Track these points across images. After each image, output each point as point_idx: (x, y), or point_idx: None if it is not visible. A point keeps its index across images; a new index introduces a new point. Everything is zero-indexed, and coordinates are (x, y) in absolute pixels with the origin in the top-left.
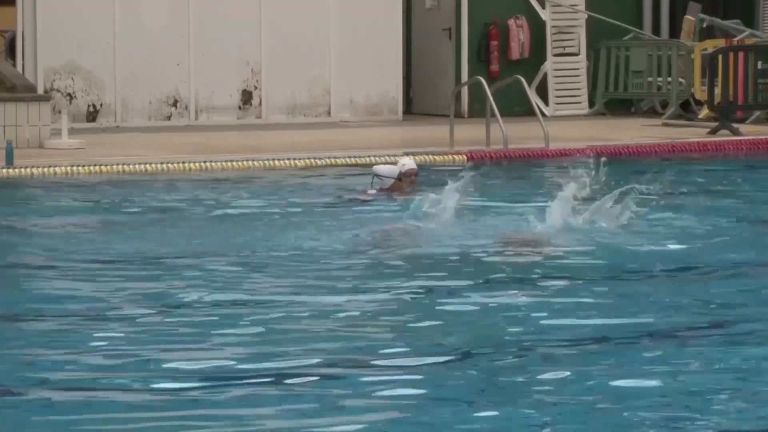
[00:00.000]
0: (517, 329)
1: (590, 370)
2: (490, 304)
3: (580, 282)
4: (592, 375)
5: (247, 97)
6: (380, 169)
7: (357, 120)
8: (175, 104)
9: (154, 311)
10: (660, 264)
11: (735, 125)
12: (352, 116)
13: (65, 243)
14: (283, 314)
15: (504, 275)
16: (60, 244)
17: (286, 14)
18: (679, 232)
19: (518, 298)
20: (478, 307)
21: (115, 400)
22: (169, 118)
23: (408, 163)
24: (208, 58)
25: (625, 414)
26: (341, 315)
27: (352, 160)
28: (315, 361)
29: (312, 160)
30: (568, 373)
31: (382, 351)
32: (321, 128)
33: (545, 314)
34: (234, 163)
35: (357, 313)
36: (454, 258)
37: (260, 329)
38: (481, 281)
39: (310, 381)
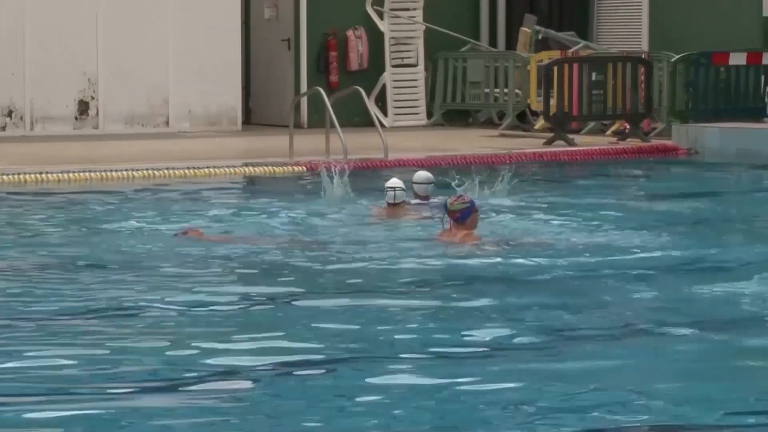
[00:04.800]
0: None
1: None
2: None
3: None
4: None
5: (83, 107)
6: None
7: (196, 130)
8: (9, 114)
9: None
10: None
11: (570, 136)
12: (191, 127)
13: None
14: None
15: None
16: None
17: (124, 24)
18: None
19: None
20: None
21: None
22: (3, 128)
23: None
24: (43, 68)
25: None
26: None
27: (191, 171)
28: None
29: (150, 171)
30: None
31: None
32: (159, 139)
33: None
34: (70, 174)
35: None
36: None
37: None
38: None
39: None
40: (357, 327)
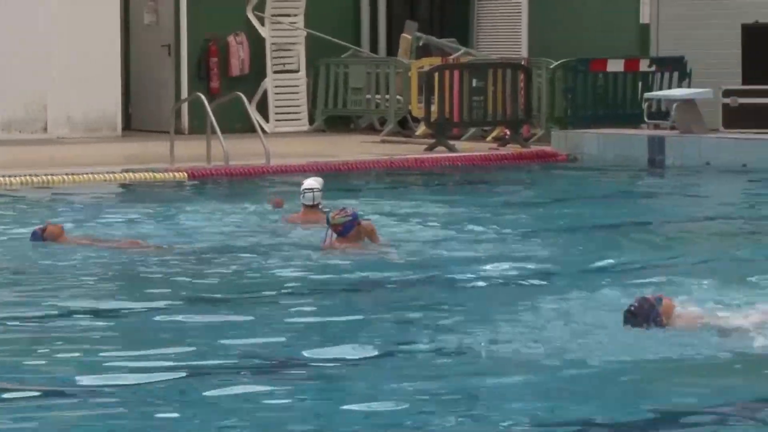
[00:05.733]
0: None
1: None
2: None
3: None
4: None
5: None
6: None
7: (75, 136)
8: None
9: None
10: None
11: (451, 142)
12: (71, 132)
13: None
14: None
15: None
16: None
17: (1, 29)
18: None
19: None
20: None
21: None
22: None
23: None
24: None
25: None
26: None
27: (70, 177)
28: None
29: (28, 177)
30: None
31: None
32: (38, 145)
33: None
34: None
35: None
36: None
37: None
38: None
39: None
40: (216, 338)
